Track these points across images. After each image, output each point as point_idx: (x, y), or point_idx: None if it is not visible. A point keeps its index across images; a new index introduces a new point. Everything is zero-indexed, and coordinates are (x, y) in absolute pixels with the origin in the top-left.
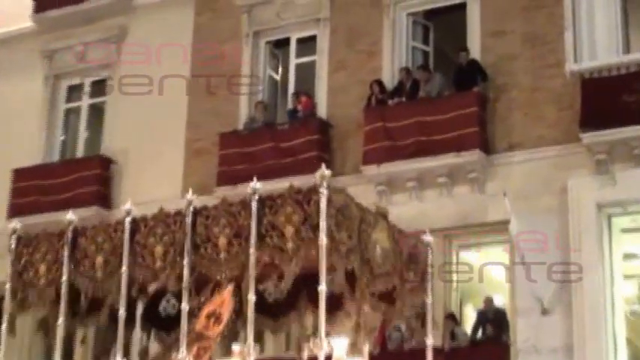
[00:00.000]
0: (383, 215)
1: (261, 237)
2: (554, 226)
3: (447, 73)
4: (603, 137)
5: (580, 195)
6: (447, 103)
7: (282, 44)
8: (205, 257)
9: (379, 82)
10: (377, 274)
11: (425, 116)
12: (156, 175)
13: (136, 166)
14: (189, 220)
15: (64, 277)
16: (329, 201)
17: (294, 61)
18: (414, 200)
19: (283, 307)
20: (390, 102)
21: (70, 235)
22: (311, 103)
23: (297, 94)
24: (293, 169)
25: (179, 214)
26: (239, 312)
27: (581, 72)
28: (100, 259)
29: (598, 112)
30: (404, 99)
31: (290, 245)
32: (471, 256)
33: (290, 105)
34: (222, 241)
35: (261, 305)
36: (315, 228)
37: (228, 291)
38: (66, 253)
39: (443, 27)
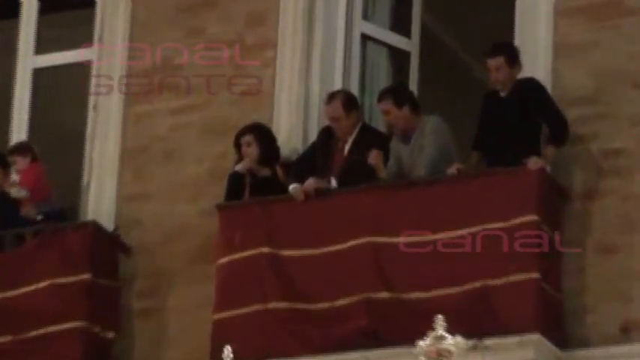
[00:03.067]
0: None
1: None
2: None
3: (459, 116)
4: None
5: None
6: (458, 197)
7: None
8: None
9: (262, 133)
10: None
11: (375, 232)
12: None
13: None
14: None
15: None
16: None
17: (30, 60)
18: None
19: None
20: (292, 188)
21: None
22: (35, 177)
23: (21, 151)
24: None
25: None
26: None
27: None
28: None
29: None
30: (333, 182)
31: None
32: None
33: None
34: None
35: None
36: None
37: None
38: None
39: None
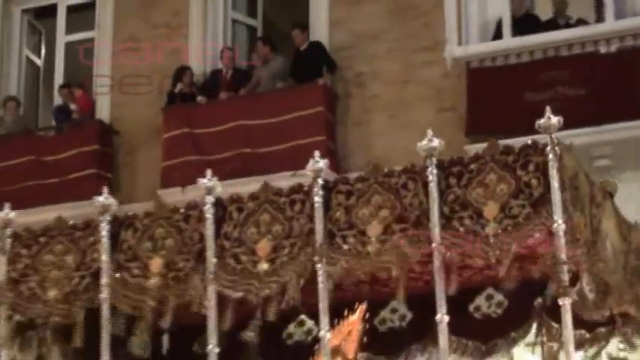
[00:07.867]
0: (610, 194)
1: (445, 219)
2: None
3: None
4: None
5: None
6: (282, 99)
7: (47, 14)
8: (348, 254)
9: (185, 71)
10: (609, 288)
11: (243, 118)
12: None
13: None
14: (317, 198)
15: (104, 293)
16: (561, 166)
17: (63, 38)
18: None
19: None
20: (199, 99)
21: (107, 226)
22: (89, 100)
23: (68, 87)
24: (62, 194)
25: (298, 191)
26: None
27: (467, 58)
28: (158, 262)
29: (491, 115)
30: (224, 95)
31: (492, 227)
32: None
33: (58, 101)
34: (374, 228)
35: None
36: (538, 204)
37: (360, 311)
38: (104, 254)
39: None
